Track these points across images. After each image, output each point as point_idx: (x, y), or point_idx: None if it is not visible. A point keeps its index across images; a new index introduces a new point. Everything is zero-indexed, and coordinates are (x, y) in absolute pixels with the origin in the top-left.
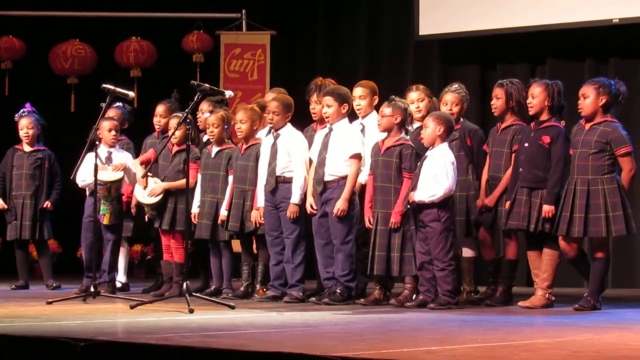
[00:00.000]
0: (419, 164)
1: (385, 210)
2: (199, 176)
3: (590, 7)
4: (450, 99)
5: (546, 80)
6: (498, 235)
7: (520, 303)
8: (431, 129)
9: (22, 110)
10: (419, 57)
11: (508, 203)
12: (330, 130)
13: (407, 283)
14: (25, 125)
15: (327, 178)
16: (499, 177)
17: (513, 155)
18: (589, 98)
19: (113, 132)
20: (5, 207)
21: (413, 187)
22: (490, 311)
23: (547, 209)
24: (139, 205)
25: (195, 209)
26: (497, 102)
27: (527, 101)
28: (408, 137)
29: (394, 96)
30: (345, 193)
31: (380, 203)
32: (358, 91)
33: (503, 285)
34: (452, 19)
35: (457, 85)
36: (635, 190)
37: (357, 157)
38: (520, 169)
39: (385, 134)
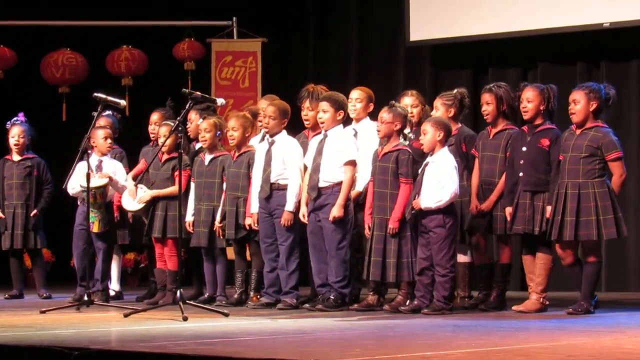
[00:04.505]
0: (420, 170)
1: (381, 216)
2: (192, 184)
3: (581, 11)
4: (437, 104)
5: (540, 85)
6: (491, 241)
7: (515, 307)
8: (431, 134)
9: (14, 119)
10: (410, 62)
11: (511, 208)
12: (325, 136)
13: (402, 289)
14: (17, 133)
15: (321, 184)
16: (493, 182)
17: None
18: (579, 104)
19: (108, 141)
20: (3, 217)
21: (416, 194)
22: (485, 316)
23: (550, 210)
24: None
25: (189, 217)
26: (489, 107)
27: (522, 105)
28: (407, 143)
29: (394, 102)
30: (340, 199)
31: (377, 209)
32: (355, 94)
33: (497, 290)
34: (443, 25)
35: (445, 92)
36: (625, 194)
37: (352, 163)
38: (521, 174)
39: (383, 140)
